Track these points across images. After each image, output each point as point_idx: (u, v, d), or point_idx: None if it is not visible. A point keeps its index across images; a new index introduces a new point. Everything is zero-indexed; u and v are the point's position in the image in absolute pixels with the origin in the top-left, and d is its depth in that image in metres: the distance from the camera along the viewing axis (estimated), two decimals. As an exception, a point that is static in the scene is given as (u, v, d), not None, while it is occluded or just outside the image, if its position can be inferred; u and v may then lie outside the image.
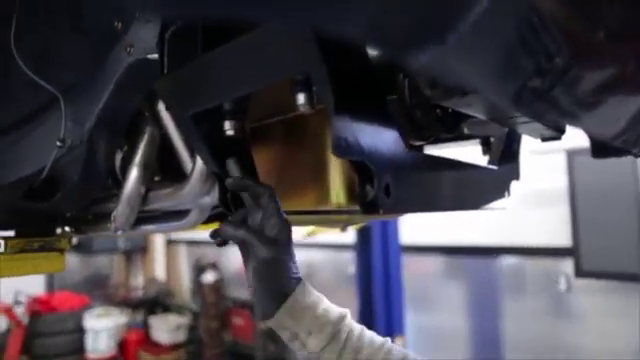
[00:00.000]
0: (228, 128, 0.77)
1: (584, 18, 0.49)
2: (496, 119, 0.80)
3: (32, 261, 1.13)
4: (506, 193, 1.12)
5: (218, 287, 5.13)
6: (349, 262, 4.78)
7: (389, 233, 3.09)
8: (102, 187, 1.13)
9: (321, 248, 5.13)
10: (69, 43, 0.96)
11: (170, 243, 6.48)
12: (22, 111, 0.96)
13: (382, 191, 0.64)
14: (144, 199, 0.99)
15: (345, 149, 0.59)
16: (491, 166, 1.08)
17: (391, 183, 0.66)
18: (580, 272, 3.18)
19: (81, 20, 0.94)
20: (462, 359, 4.30)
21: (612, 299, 3.24)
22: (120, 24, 0.90)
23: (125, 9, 0.89)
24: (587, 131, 0.72)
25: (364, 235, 3.14)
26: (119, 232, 1.08)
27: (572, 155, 3.11)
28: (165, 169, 1.11)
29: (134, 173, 0.99)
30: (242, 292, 5.31)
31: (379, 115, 0.66)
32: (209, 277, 5.07)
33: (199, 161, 0.89)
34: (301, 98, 0.64)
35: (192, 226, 1.11)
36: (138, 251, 6.39)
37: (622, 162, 3.00)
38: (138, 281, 6.31)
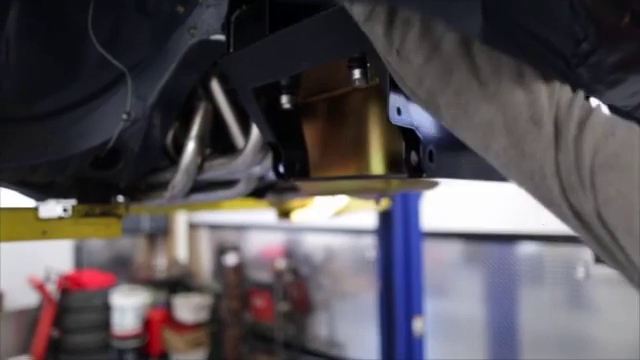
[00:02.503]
0: (285, 102, 0.86)
1: (613, 3, 0.56)
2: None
3: (93, 226, 1.24)
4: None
5: (239, 269, 5.27)
6: (367, 247, 4.88)
7: (411, 218, 3.16)
8: (157, 158, 1.23)
9: (340, 233, 5.23)
10: (135, 24, 1.05)
11: (192, 226, 6.65)
12: (92, 87, 1.06)
13: (427, 157, 0.73)
14: (199, 169, 1.09)
15: (399, 117, 0.68)
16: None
17: (434, 150, 0.74)
18: (599, 258, 3.21)
19: (145, 3, 1.03)
20: (478, 347, 4.36)
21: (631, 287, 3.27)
22: (182, 8, 0.99)
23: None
24: (610, 104, 0.79)
25: (386, 219, 3.22)
26: (173, 200, 1.18)
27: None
28: (214, 141, 1.21)
29: (191, 145, 1.08)
30: (262, 274, 5.45)
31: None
32: (231, 259, 5.21)
33: (253, 133, 0.98)
34: (357, 73, 0.72)
35: (239, 195, 1.21)
36: (161, 233, 6.57)
37: None
38: (161, 262, 6.50)
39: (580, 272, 3.59)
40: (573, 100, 0.48)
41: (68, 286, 5.00)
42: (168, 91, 1.05)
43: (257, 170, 1.05)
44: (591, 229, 0.46)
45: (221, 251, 5.66)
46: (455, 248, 4.67)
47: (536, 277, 4.07)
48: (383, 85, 0.67)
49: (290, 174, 0.93)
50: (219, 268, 5.74)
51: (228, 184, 1.21)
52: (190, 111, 1.17)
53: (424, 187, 1.11)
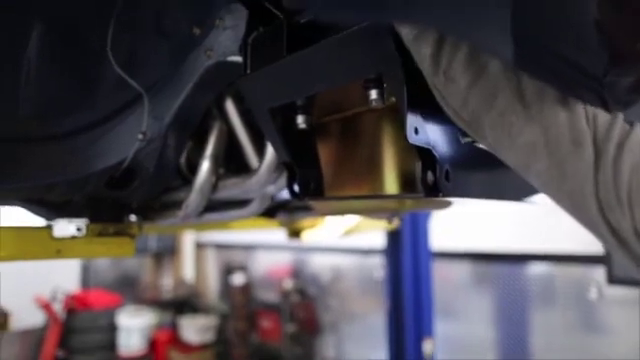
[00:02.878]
0: (301, 122, 0.87)
1: (629, 29, 0.56)
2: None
3: (106, 245, 1.24)
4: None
5: (246, 289, 5.24)
6: (375, 267, 4.84)
7: (420, 238, 3.14)
8: (171, 178, 1.24)
9: (348, 253, 5.20)
10: (152, 45, 1.07)
11: (199, 246, 6.64)
12: (109, 107, 1.08)
13: (443, 176, 0.73)
14: (214, 188, 1.10)
15: (416, 137, 0.68)
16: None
17: (450, 170, 0.74)
18: (612, 279, 3.17)
19: (163, 25, 1.05)
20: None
21: (645, 308, 3.21)
22: (199, 30, 1.01)
23: (204, 18, 1.00)
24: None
25: (394, 239, 3.20)
26: (187, 220, 1.19)
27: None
28: (228, 161, 1.22)
29: (206, 165, 1.09)
30: (269, 295, 5.41)
31: (440, 112, 0.75)
32: (238, 279, 5.19)
33: (268, 153, 0.99)
34: (373, 94, 0.73)
35: (253, 215, 1.21)
36: (168, 253, 6.57)
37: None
38: (167, 282, 6.48)
39: (593, 293, 3.53)
40: (612, 122, 0.50)
41: (74, 306, 4.98)
42: (184, 111, 1.07)
43: (271, 189, 1.05)
44: (629, 246, 0.47)
45: (228, 271, 5.64)
46: (464, 268, 4.61)
47: (547, 298, 4.01)
48: (400, 105, 0.67)
49: (305, 193, 0.93)
50: (226, 288, 5.71)
51: (241, 203, 1.21)
52: (204, 131, 1.18)
53: (437, 206, 1.11)
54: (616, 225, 0.47)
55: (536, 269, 4.21)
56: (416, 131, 0.68)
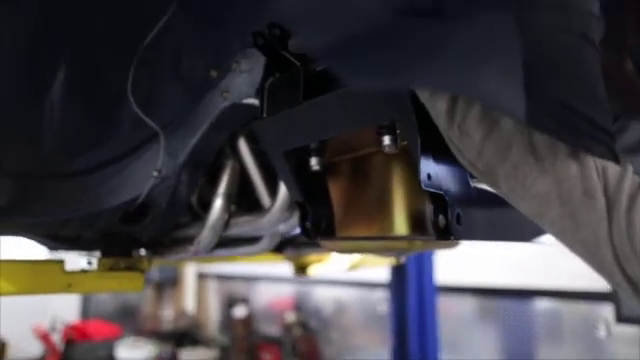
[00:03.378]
0: (314, 164, 0.90)
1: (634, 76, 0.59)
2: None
3: (117, 280, 1.25)
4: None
5: (248, 322, 5.17)
6: (379, 301, 4.78)
7: (425, 272, 3.12)
8: (183, 214, 1.26)
9: (351, 286, 5.15)
10: (169, 86, 1.11)
11: (201, 276, 6.59)
12: (126, 145, 1.11)
13: (454, 220, 0.75)
14: (226, 225, 1.11)
15: (429, 182, 0.70)
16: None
17: (461, 213, 0.76)
18: (620, 317, 3.13)
19: (180, 68, 1.10)
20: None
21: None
22: (216, 73, 1.05)
23: (220, 61, 1.04)
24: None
25: (399, 274, 3.18)
26: (197, 255, 1.20)
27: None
28: (239, 198, 1.24)
29: (218, 202, 1.11)
30: (271, 328, 5.33)
31: (451, 156, 0.77)
32: (239, 312, 5.12)
33: (281, 192, 1.01)
34: (387, 140, 0.75)
35: (263, 251, 1.22)
36: (169, 283, 6.51)
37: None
38: (168, 313, 6.40)
39: (601, 330, 3.47)
40: (622, 174, 0.52)
41: (73, 336, 4.91)
42: (198, 150, 1.10)
43: (282, 228, 1.07)
44: None
45: (230, 303, 5.58)
46: (469, 303, 4.55)
47: (554, 335, 3.94)
48: (414, 152, 0.70)
49: (316, 233, 0.95)
50: (227, 320, 5.63)
51: (251, 240, 1.23)
52: (217, 169, 1.21)
53: (446, 247, 1.12)
54: (631, 274, 0.48)
55: (542, 305, 4.15)
56: (429, 177, 0.70)
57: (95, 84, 1.04)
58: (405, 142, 0.80)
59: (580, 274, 3.72)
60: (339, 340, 5.00)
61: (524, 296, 4.23)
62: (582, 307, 3.72)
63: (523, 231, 1.06)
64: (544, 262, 3.89)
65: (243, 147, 1.16)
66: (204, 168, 1.15)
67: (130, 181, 1.11)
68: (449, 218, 0.74)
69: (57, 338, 4.83)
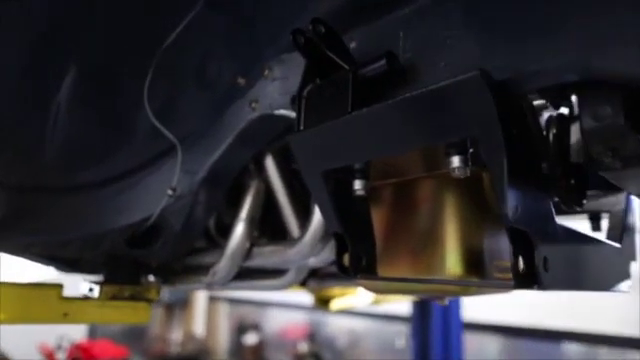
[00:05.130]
0: (358, 188, 0.75)
1: None
2: (647, 195, 0.74)
3: (120, 310, 1.11)
4: (629, 274, 1.02)
5: (258, 349, 4.96)
6: (397, 334, 4.54)
7: (451, 308, 2.91)
8: (198, 239, 1.12)
9: (368, 317, 4.92)
10: (191, 94, 0.99)
11: (212, 299, 6.42)
12: (138, 159, 0.98)
13: (541, 264, 0.59)
14: (247, 255, 0.97)
15: (515, 217, 0.55)
16: (615, 244, 0.99)
17: (549, 257, 0.61)
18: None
19: (205, 74, 0.97)
20: None
21: None
22: (244, 80, 0.92)
23: (250, 67, 0.91)
24: None
25: (423, 307, 2.98)
26: (212, 286, 1.05)
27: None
28: (263, 224, 1.09)
29: (240, 228, 0.97)
30: (282, 356, 5.10)
31: (538, 184, 0.62)
32: (251, 338, 4.92)
33: (315, 220, 0.86)
34: (456, 161, 0.60)
35: (286, 287, 1.07)
36: (179, 305, 6.35)
37: None
38: (177, 336, 6.21)
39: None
40: None
41: (79, 356, 4.76)
42: (220, 167, 0.96)
43: (312, 261, 0.92)
44: None
45: (240, 329, 5.38)
46: (492, 342, 4.29)
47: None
48: (497, 177, 0.55)
49: (356, 270, 0.79)
50: (237, 346, 5.42)
51: (275, 273, 1.08)
52: (239, 190, 1.07)
53: (502, 292, 0.96)
54: None
55: (572, 349, 3.88)
56: (516, 210, 0.55)
57: (107, 89, 0.93)
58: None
59: (616, 318, 3.47)
60: (353, 374, 4.76)
61: (552, 338, 3.96)
62: (616, 353, 3.45)
63: (604, 278, 0.89)
64: (574, 303, 3.64)
65: (270, 166, 1.02)
66: (225, 188, 1.02)
67: (141, 199, 0.98)
68: (536, 262, 0.58)
69: (62, 357, 4.69)
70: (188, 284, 1.14)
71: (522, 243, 0.59)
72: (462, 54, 0.59)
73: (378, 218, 0.93)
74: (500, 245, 0.95)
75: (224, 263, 0.97)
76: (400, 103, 0.58)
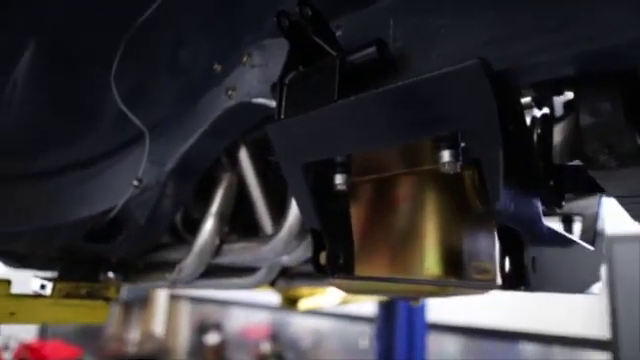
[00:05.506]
0: (340, 182, 0.71)
1: None
2: (627, 197, 0.74)
3: (74, 309, 1.03)
4: (600, 276, 1.03)
5: (220, 349, 4.86)
6: (361, 335, 4.54)
7: (416, 309, 2.93)
8: (163, 234, 1.05)
9: (331, 317, 4.91)
10: (162, 80, 0.93)
11: (173, 298, 6.25)
12: (101, 146, 0.91)
13: (530, 265, 0.58)
14: (216, 252, 0.91)
15: (507, 216, 0.53)
16: (589, 246, 1.00)
17: (537, 257, 0.59)
18: (619, 369, 2.97)
19: (178, 58, 0.91)
20: None
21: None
22: (220, 67, 0.87)
23: (228, 53, 0.86)
24: None
25: (388, 309, 2.98)
26: (177, 284, 0.99)
27: (611, 242, 3.01)
28: (233, 220, 1.04)
29: (210, 223, 0.91)
30: (244, 356, 5.02)
31: (528, 183, 0.60)
32: (212, 338, 4.81)
33: (291, 216, 0.82)
34: (446, 156, 0.58)
35: (257, 286, 1.02)
36: (138, 303, 6.15)
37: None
38: (134, 335, 6.01)
39: (595, 382, 3.30)
40: None
41: (27, 356, 4.52)
42: (190, 158, 0.90)
43: (286, 259, 0.88)
44: None
45: (202, 328, 5.25)
46: (453, 342, 4.36)
47: (544, 382, 3.76)
48: (491, 173, 0.52)
49: (333, 269, 0.76)
50: (198, 346, 5.29)
51: (245, 271, 1.02)
52: (209, 183, 1.01)
53: (480, 292, 0.95)
54: None
55: (530, 349, 3.98)
56: (508, 208, 0.53)
57: (70, 69, 0.85)
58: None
59: (572, 320, 3.59)
60: (316, 375, 4.73)
61: (509, 338, 4.06)
62: (573, 354, 3.56)
63: (580, 280, 0.89)
64: (534, 306, 3.75)
65: (244, 158, 0.97)
66: (195, 180, 0.96)
67: (104, 189, 0.91)
68: (525, 263, 0.56)
69: (9, 358, 4.44)
70: (151, 282, 1.07)
71: (511, 243, 0.57)
72: (457, 44, 0.57)
73: (355, 215, 0.90)
74: (479, 246, 0.94)
75: (191, 260, 0.91)
76: (392, 92, 0.54)
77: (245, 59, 0.83)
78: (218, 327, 5.18)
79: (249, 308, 5.45)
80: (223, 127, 0.87)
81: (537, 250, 0.60)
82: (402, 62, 0.62)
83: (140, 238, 0.99)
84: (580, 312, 3.49)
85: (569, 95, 0.74)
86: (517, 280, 0.58)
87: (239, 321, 5.49)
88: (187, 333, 6.01)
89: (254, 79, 0.81)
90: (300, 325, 5.10)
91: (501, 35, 0.54)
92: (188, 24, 0.87)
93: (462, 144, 0.59)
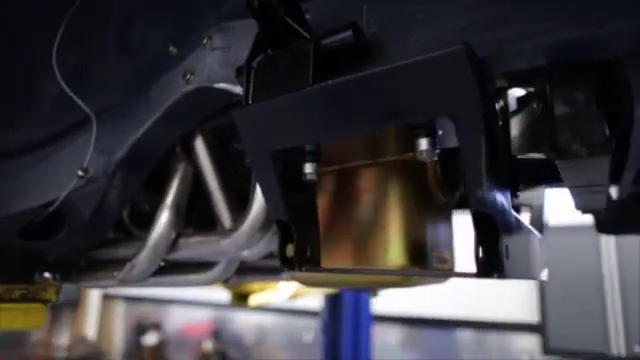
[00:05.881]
0: (310, 172, 0.69)
1: None
2: (584, 187, 0.78)
3: (8, 313, 0.93)
4: (546, 263, 1.09)
5: (159, 350, 4.67)
6: (305, 329, 4.55)
7: (361, 301, 2.97)
8: (109, 229, 0.98)
9: (273, 312, 4.88)
10: (110, 61, 0.85)
11: (106, 298, 5.93)
12: (43, 131, 0.82)
13: (504, 252, 0.58)
14: (172, 246, 0.86)
15: (487, 203, 0.53)
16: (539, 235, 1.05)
17: (510, 244, 0.60)
18: (548, 349, 3.19)
19: (128, 40, 0.84)
20: None
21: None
22: (176, 49, 0.81)
23: (185, 35, 0.81)
24: None
25: (335, 302, 3.00)
26: (127, 282, 0.92)
27: (540, 232, 3.21)
28: (189, 213, 0.98)
29: (165, 216, 0.86)
30: (186, 357, 4.87)
31: (500, 171, 0.61)
32: (150, 338, 4.62)
33: (254, 209, 0.78)
34: (424, 144, 0.57)
35: (215, 282, 0.97)
36: (68, 305, 5.76)
37: (586, 242, 3.13)
38: (64, 340, 5.63)
39: (526, 363, 3.53)
40: None
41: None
42: (142, 146, 0.84)
43: (247, 253, 0.84)
44: None
45: (139, 329, 5.02)
46: (394, 332, 4.48)
47: (479, 366, 3.96)
48: (474, 161, 0.52)
49: (300, 262, 0.73)
50: (135, 347, 5.06)
51: (201, 266, 0.97)
52: (159, 174, 0.95)
53: (440, 281, 0.96)
54: None
55: (468, 335, 4.18)
56: (487, 194, 0.53)
57: (7, 44, 0.76)
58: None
59: (504, 307, 3.81)
60: (260, 371, 4.67)
61: (449, 326, 4.24)
62: (507, 338, 3.78)
63: (535, 267, 0.93)
64: (469, 294, 3.93)
65: (200, 147, 0.92)
66: (147, 171, 0.89)
67: (44, 180, 0.83)
68: (500, 250, 0.57)
69: None
70: (96, 281, 0.98)
71: (487, 230, 0.57)
72: (435, 30, 0.56)
73: (320, 206, 0.88)
74: (439, 236, 0.95)
75: (145, 255, 0.85)
76: (374, 76, 0.52)
77: (205, 41, 0.78)
78: (157, 327, 4.98)
79: (189, 306, 5.29)
80: (180, 113, 0.81)
81: (509, 238, 0.61)
82: (377, 48, 0.61)
83: (84, 234, 0.91)
84: (511, 299, 3.72)
85: (520, 92, 0.76)
86: (491, 267, 0.58)
87: (179, 320, 5.31)
88: (122, 334, 5.74)
89: (215, 63, 0.77)
90: (243, 322, 5.02)
91: (479, 21, 0.54)
92: (136, 3, 0.81)
93: (440, 132, 0.58)
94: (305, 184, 0.73)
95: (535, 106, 0.70)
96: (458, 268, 0.73)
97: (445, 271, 0.73)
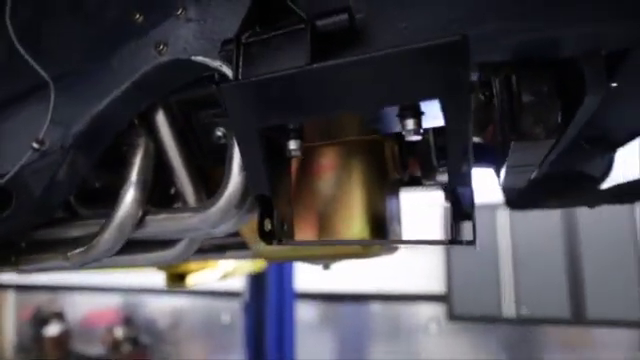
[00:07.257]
0: (294, 148, 0.71)
1: None
2: (522, 166, 0.89)
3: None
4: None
5: (63, 340, 4.36)
6: (223, 310, 4.53)
7: (284, 279, 3.03)
8: (58, 208, 0.91)
9: (188, 295, 4.77)
10: (64, 26, 0.79)
11: (-5, 288, 5.36)
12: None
13: (474, 223, 0.67)
14: (139, 224, 0.83)
15: (466, 179, 0.61)
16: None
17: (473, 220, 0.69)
18: (452, 316, 3.52)
19: (82, 4, 0.79)
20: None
21: (478, 339, 3.64)
22: (141, 17, 0.78)
23: (150, 3, 0.78)
24: None
25: (258, 281, 3.03)
26: (82, 265, 0.87)
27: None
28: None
29: (131, 193, 0.82)
30: (94, 346, 4.59)
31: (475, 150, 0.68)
32: (52, 329, 4.28)
33: (232, 182, 0.79)
34: (410, 124, 0.62)
35: (176, 260, 0.95)
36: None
37: (484, 219, 3.49)
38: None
39: (433, 329, 3.87)
40: None
41: None
42: (104, 118, 0.80)
43: (221, 229, 0.84)
44: None
45: (39, 319, 4.62)
46: (310, 308, 4.63)
47: (392, 334, 4.26)
48: (461, 141, 0.58)
49: (280, 235, 0.76)
50: (35, 339, 4.66)
51: (161, 244, 0.94)
52: (117, 149, 0.90)
53: (390, 252, 1.04)
54: None
55: (377, 308, 4.46)
56: (465, 172, 0.60)
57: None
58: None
59: (414, 280, 4.11)
60: (177, 355, 4.56)
61: (362, 300, 4.49)
62: (418, 308, 4.11)
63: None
64: (383, 270, 4.19)
65: (162, 122, 0.89)
66: (105, 145, 0.85)
67: (-10, 153, 0.75)
68: (473, 222, 0.65)
69: None
70: (42, 263, 0.91)
71: (463, 205, 0.65)
72: (425, 20, 0.61)
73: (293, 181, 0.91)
74: (393, 210, 1.03)
75: (109, 234, 0.81)
76: (373, 59, 0.56)
77: (180, 12, 0.76)
78: (59, 316, 4.62)
79: (95, 292, 4.98)
80: (149, 85, 0.78)
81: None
82: (366, 33, 0.64)
83: (32, 212, 0.84)
84: (420, 271, 4.04)
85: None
86: (467, 237, 0.66)
87: (84, 307, 4.98)
88: (13, 326, 5.24)
89: (190, 35, 0.75)
90: (156, 306, 4.85)
91: (464, 16, 0.60)
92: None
93: (423, 113, 0.64)
94: (285, 160, 0.75)
95: (481, 95, 0.79)
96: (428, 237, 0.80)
97: (424, 241, 0.79)
